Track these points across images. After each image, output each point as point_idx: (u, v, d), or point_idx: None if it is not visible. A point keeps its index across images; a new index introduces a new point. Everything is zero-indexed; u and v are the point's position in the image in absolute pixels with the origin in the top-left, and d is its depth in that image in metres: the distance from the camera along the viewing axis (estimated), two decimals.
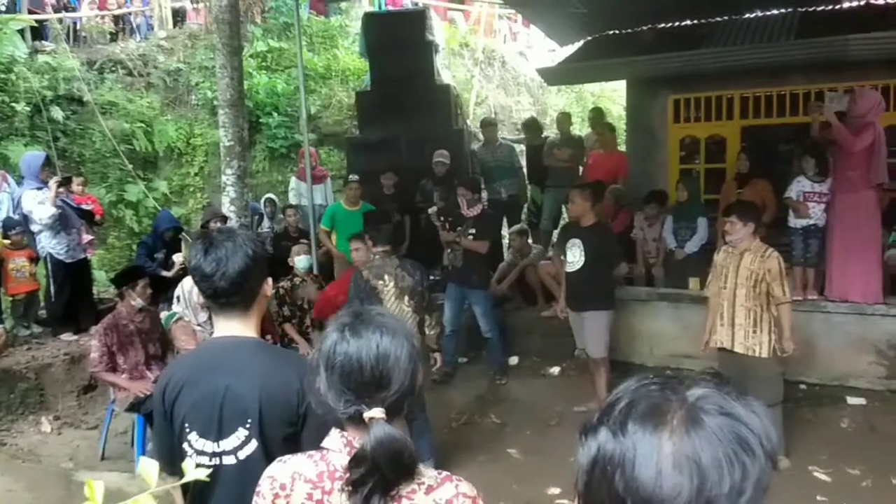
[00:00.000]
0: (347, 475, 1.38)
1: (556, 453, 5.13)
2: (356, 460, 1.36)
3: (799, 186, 6.39)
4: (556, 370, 6.98)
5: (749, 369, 4.86)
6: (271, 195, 9.76)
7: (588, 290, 5.76)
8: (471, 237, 6.49)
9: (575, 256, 5.77)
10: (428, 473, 1.43)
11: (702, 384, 0.91)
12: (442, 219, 6.92)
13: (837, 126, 5.94)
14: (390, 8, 13.78)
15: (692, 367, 6.42)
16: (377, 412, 1.39)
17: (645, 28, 8.56)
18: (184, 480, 1.21)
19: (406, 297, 4.71)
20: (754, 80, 7.62)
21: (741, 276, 4.88)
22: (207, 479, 1.29)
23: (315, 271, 6.71)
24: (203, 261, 1.92)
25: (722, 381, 0.92)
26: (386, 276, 4.71)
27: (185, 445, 1.88)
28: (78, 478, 4.88)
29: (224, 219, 7.08)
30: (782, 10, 7.89)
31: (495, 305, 7.07)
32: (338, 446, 1.45)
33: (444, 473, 1.45)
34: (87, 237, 7.05)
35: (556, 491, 4.64)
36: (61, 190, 6.56)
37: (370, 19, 10.18)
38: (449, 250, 6.73)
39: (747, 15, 8.07)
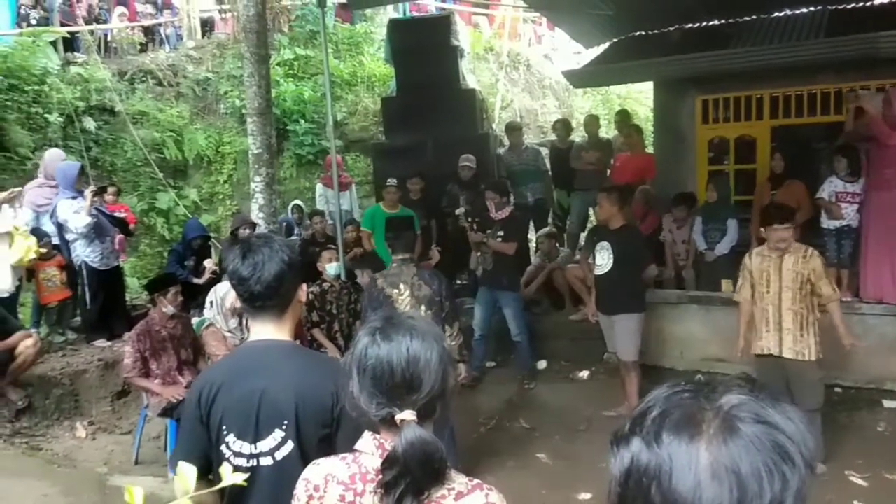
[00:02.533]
0: (379, 477, 1.39)
1: (585, 458, 5.11)
2: (388, 462, 1.38)
3: (831, 187, 6.29)
4: (584, 374, 6.94)
5: (795, 374, 4.77)
6: (299, 202, 9.84)
7: (618, 293, 5.72)
8: (499, 240, 6.50)
9: (604, 259, 5.73)
10: (458, 479, 1.43)
11: (735, 391, 0.88)
12: (470, 220, 6.91)
13: (874, 117, 5.82)
14: (415, 14, 13.84)
15: (724, 372, 6.31)
16: (408, 415, 1.40)
17: (672, 28, 8.50)
18: (222, 485, 1.23)
19: (423, 307, 4.60)
20: (783, 80, 7.53)
21: (786, 279, 4.77)
22: (245, 484, 1.30)
23: (343, 277, 6.75)
24: (241, 265, 1.98)
25: (756, 387, 0.89)
26: (401, 285, 4.65)
27: (223, 448, 1.92)
28: (112, 482, 4.94)
29: (253, 225, 7.16)
30: (811, 9, 7.79)
31: (524, 309, 7.05)
32: (370, 449, 1.47)
33: (476, 481, 1.45)
34: (119, 236, 7.09)
35: (586, 497, 4.61)
36: (95, 199, 6.67)
37: (395, 25, 10.22)
38: (478, 253, 6.72)
39: (775, 14, 7.97)
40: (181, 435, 2.12)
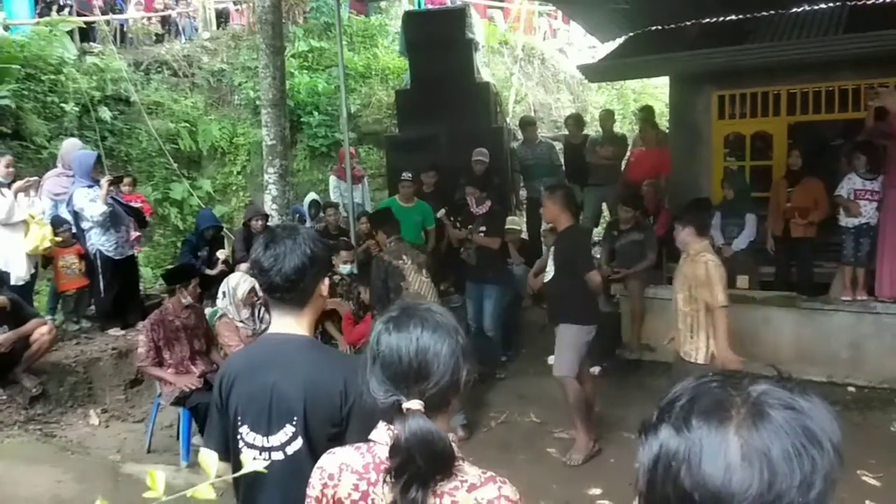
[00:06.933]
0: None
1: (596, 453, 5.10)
2: (393, 450, 1.41)
3: (850, 184, 6.24)
4: (595, 370, 6.90)
5: (686, 373, 4.64)
6: (316, 197, 9.84)
7: (558, 301, 5.22)
8: (482, 234, 6.57)
9: (550, 266, 5.24)
10: (472, 471, 1.44)
11: (762, 380, 0.90)
12: (451, 218, 7.04)
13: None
14: (430, 6, 13.81)
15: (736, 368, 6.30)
16: (415, 404, 1.42)
17: (689, 23, 8.43)
18: (242, 472, 1.24)
19: (424, 271, 5.50)
20: (801, 76, 7.45)
21: (678, 282, 4.76)
22: (266, 471, 1.31)
23: (356, 271, 6.77)
24: (262, 255, 1.97)
25: (783, 378, 0.91)
26: (404, 256, 5.51)
27: (238, 437, 1.94)
28: (125, 470, 4.99)
29: (266, 217, 7.18)
30: (830, 4, 7.71)
31: (534, 303, 7.04)
32: (384, 439, 1.49)
33: (489, 473, 1.45)
34: (134, 234, 7.17)
35: (596, 491, 4.60)
36: (112, 189, 6.72)
37: (410, 18, 10.21)
38: (462, 249, 6.79)
39: (794, 9, 7.90)
40: (209, 423, 2.16)
